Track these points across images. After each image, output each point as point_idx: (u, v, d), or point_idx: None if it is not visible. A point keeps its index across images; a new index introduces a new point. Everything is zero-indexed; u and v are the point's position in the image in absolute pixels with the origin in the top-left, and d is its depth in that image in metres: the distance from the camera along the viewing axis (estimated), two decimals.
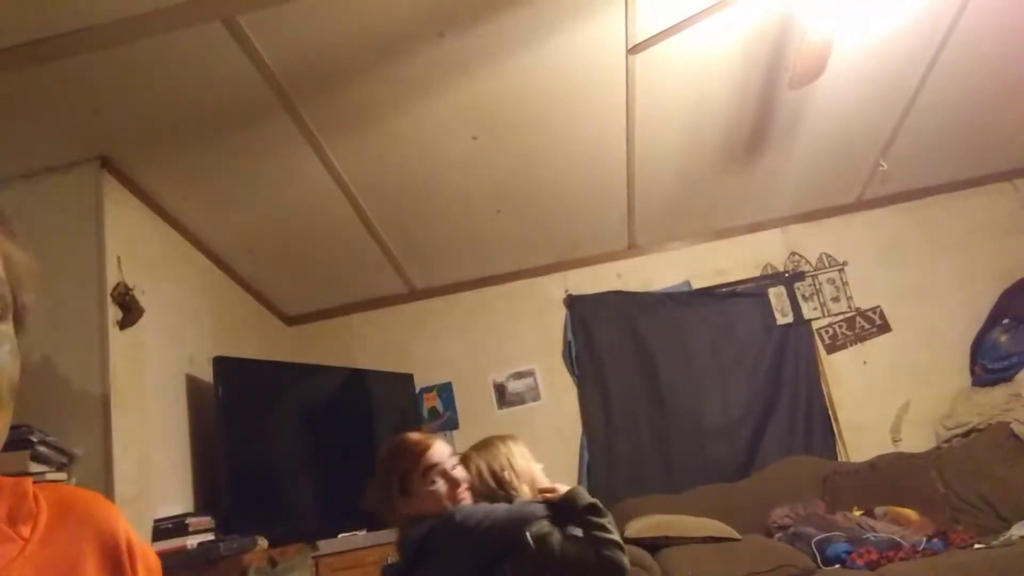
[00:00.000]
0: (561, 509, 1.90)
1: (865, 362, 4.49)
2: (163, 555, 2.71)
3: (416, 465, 1.86)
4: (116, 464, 2.61)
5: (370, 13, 2.51)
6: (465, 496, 1.89)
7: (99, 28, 2.31)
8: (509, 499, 1.95)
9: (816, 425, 4.41)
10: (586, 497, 1.90)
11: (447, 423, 4.64)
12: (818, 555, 3.28)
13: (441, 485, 1.86)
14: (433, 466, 1.87)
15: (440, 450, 1.92)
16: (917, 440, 4.25)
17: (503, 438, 2.13)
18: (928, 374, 4.39)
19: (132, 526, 2.49)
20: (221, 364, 3.38)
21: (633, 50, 2.75)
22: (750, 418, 4.44)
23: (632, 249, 4.79)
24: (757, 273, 4.70)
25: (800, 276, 4.65)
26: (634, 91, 3.20)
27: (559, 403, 4.62)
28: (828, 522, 3.54)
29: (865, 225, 4.69)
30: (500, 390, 4.67)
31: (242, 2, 2.37)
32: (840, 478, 3.98)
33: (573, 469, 4.47)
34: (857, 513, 3.66)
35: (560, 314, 4.75)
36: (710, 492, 4.09)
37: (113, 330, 2.77)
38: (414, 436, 1.95)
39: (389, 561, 2.13)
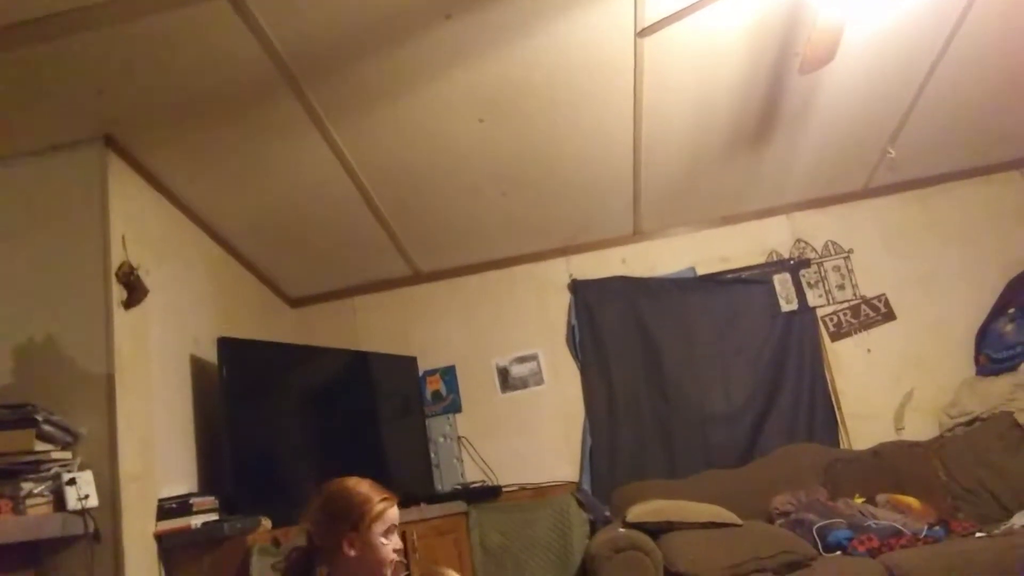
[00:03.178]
0: None
1: (869, 350, 4.49)
2: (167, 535, 2.75)
3: (380, 514, 1.93)
4: (120, 444, 2.61)
5: None
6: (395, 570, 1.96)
7: (103, 6, 2.30)
8: None
9: (819, 412, 4.41)
10: None
11: (450, 406, 4.65)
12: (819, 541, 3.30)
13: (390, 546, 1.94)
14: (392, 525, 1.96)
15: (398, 514, 2.00)
16: (920, 429, 4.26)
17: None
18: (932, 363, 4.39)
19: (136, 506, 2.49)
20: (225, 345, 3.39)
21: (642, 33, 2.73)
22: (753, 405, 4.44)
23: (637, 234, 4.78)
24: (762, 260, 4.69)
25: (805, 263, 4.63)
26: (642, 75, 3.18)
27: (562, 388, 4.62)
28: (830, 509, 3.55)
29: (871, 213, 4.67)
30: (503, 374, 4.67)
31: None
32: (842, 465, 3.99)
33: (576, 454, 4.48)
34: (859, 500, 3.66)
35: (564, 299, 4.74)
36: (712, 478, 4.10)
37: (118, 310, 2.77)
38: (381, 488, 2.00)
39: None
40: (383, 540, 1.92)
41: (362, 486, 1.97)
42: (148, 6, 2.34)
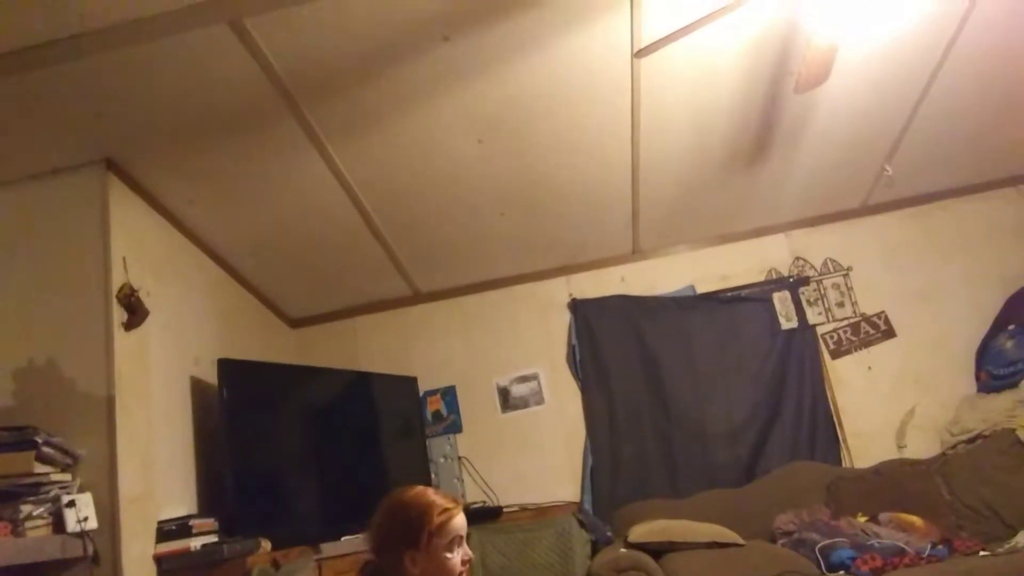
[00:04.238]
0: None
1: (870, 368, 4.48)
2: (166, 557, 2.74)
3: (440, 528, 1.79)
4: (121, 465, 2.61)
5: (375, 17, 2.52)
6: None
7: (104, 31, 2.32)
8: None
9: (820, 431, 4.39)
10: None
11: (451, 427, 4.64)
12: (822, 561, 3.27)
13: (456, 558, 1.81)
14: (457, 537, 1.83)
15: (464, 522, 1.86)
16: (922, 446, 4.24)
17: None
18: (933, 380, 4.38)
19: (136, 528, 2.48)
20: (225, 366, 3.39)
21: (639, 54, 2.76)
22: (754, 423, 4.43)
23: (636, 253, 4.79)
24: (762, 278, 4.69)
25: (805, 281, 4.64)
26: (639, 95, 3.20)
27: (563, 407, 4.61)
28: (832, 528, 3.53)
29: (870, 230, 4.68)
30: (504, 394, 4.67)
31: (248, 5, 2.38)
32: (845, 484, 3.97)
33: (577, 473, 4.47)
34: (861, 519, 3.64)
35: (564, 318, 4.74)
36: (714, 497, 4.08)
37: (118, 331, 2.78)
38: (443, 496, 1.88)
39: None
40: (447, 554, 1.78)
41: (423, 497, 1.84)
42: (148, 32, 2.36)
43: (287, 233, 3.81)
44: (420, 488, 1.89)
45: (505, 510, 4.11)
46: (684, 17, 2.60)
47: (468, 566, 1.85)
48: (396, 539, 1.79)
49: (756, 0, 2.58)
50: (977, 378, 4.31)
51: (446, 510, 1.82)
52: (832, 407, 4.45)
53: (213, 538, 2.91)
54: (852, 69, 3.24)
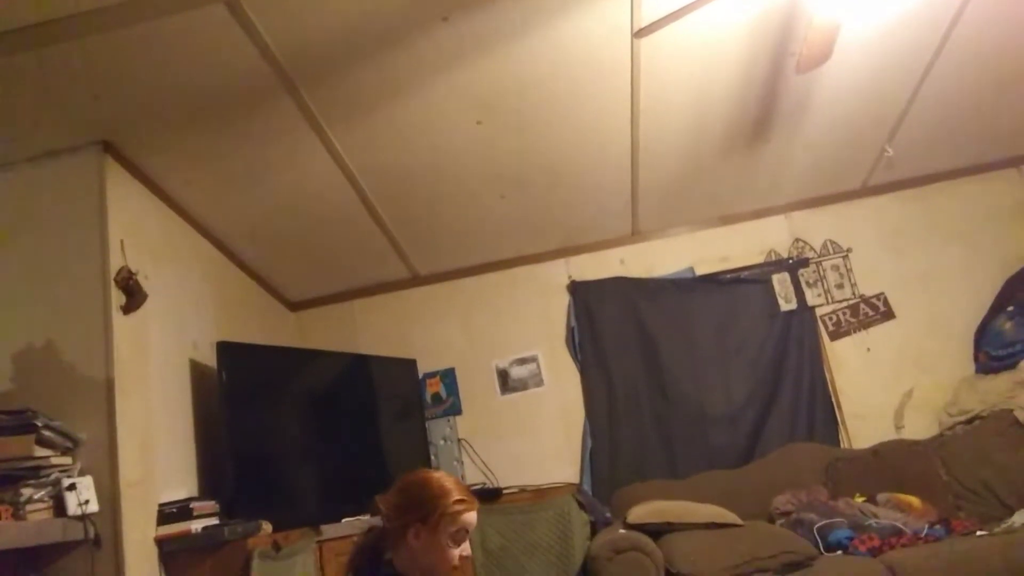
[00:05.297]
0: None
1: (869, 349, 4.49)
2: (167, 540, 2.75)
3: (454, 515, 1.84)
4: (120, 449, 2.61)
5: None
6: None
7: (100, 11, 2.29)
8: None
9: (819, 412, 4.41)
10: None
11: (450, 409, 4.65)
12: (820, 541, 3.30)
13: (455, 551, 1.85)
14: (463, 530, 1.87)
15: (474, 520, 1.90)
16: (920, 427, 4.26)
17: None
18: (932, 361, 4.39)
19: (136, 511, 2.48)
20: (224, 349, 3.38)
21: (639, 34, 2.74)
22: (753, 404, 4.44)
23: (636, 235, 4.78)
24: (761, 259, 4.69)
25: (804, 262, 4.64)
26: (639, 75, 3.18)
27: (562, 389, 4.62)
28: (830, 508, 3.55)
29: (870, 211, 4.68)
30: (503, 376, 4.67)
31: None
32: (843, 465, 3.99)
33: (576, 455, 4.49)
34: (859, 499, 3.66)
35: (563, 300, 4.75)
36: (712, 478, 4.11)
37: (117, 315, 2.77)
38: (464, 489, 1.91)
39: None
40: (449, 542, 1.83)
41: (445, 481, 1.89)
42: (145, 12, 2.34)
43: (286, 216, 3.80)
44: (445, 473, 1.95)
45: (504, 491, 4.13)
46: None
47: (464, 563, 1.89)
48: (408, 509, 1.84)
49: None
50: (976, 359, 4.32)
51: (463, 501, 1.86)
52: (831, 388, 4.47)
53: (214, 520, 2.92)
54: (853, 49, 3.22)
